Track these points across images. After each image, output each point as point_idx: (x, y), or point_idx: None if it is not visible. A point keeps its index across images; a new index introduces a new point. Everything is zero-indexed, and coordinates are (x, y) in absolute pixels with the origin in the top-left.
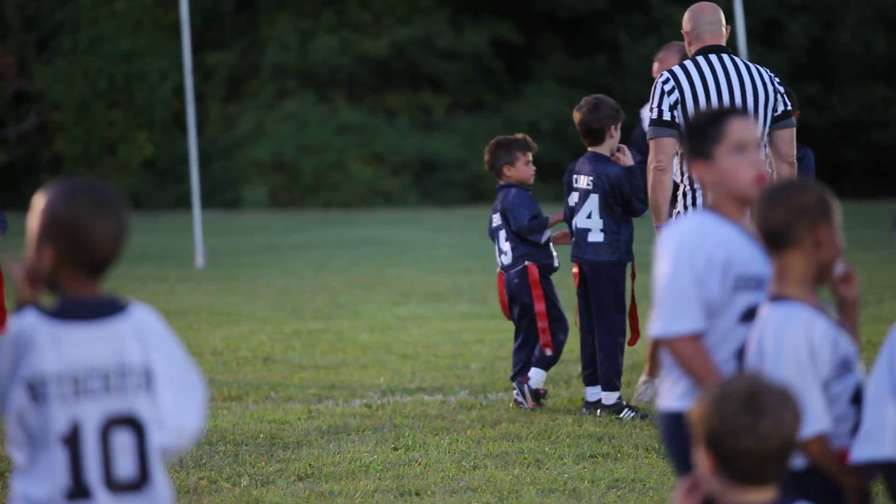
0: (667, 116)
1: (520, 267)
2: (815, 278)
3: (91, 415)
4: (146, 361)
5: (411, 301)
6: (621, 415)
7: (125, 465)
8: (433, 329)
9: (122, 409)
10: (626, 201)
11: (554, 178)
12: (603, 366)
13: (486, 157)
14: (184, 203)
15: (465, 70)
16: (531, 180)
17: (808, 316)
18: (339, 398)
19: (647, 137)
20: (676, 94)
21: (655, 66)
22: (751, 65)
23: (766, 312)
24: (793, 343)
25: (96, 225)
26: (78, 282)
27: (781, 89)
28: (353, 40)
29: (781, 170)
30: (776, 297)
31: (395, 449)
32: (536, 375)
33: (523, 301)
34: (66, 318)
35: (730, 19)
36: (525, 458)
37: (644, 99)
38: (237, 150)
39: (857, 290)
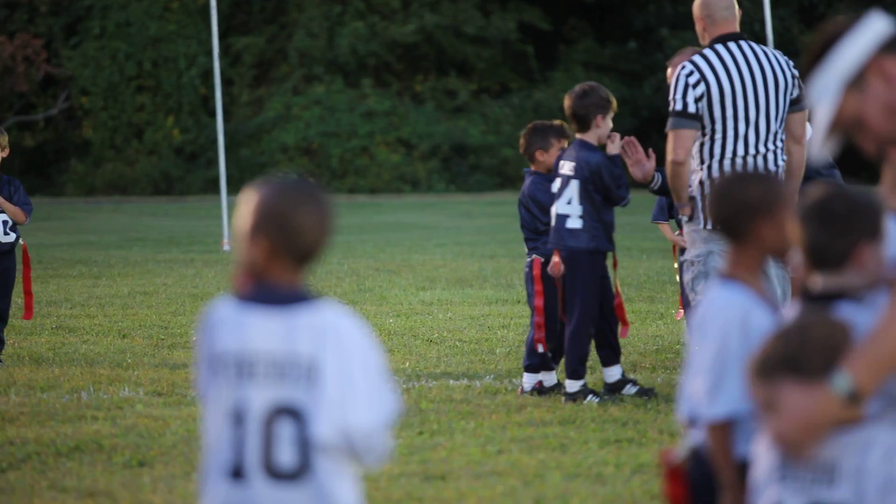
0: (692, 109)
1: (529, 259)
2: (763, 265)
3: (256, 398)
4: (314, 356)
5: (437, 286)
6: (586, 400)
7: (285, 454)
8: (459, 314)
9: (285, 397)
10: (607, 189)
11: None
12: (569, 353)
13: (522, 140)
14: (211, 188)
15: (493, 55)
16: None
17: (749, 300)
18: None
19: (667, 128)
20: (702, 86)
21: (669, 71)
22: (768, 50)
23: (714, 290)
24: (726, 322)
25: (304, 217)
26: (283, 271)
27: (797, 73)
28: (380, 26)
29: (792, 151)
30: (725, 277)
31: (421, 433)
32: (528, 379)
33: (530, 292)
34: (253, 302)
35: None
36: (550, 443)
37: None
38: (264, 135)
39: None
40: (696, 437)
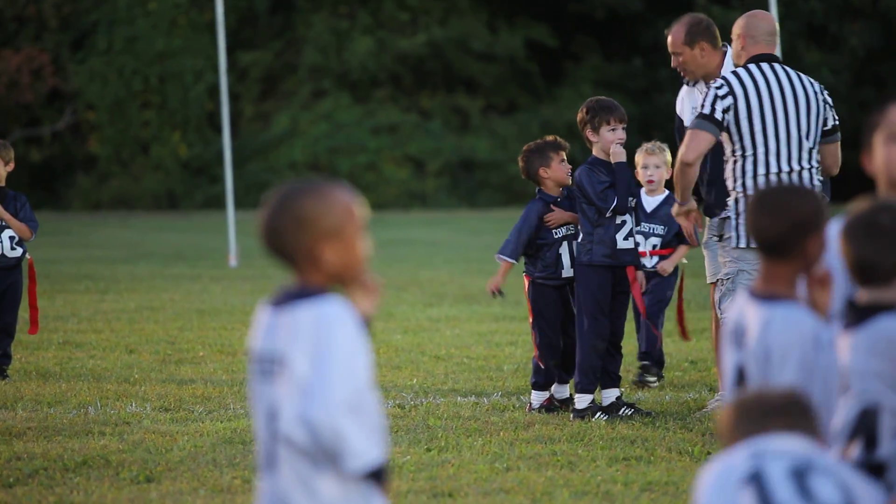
0: (718, 116)
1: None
2: (799, 280)
3: (260, 397)
4: (285, 352)
5: (444, 303)
6: (594, 417)
7: (272, 450)
8: (466, 331)
9: (272, 394)
10: (589, 198)
11: None
12: (578, 368)
13: (521, 164)
14: (217, 203)
15: (500, 72)
16: (569, 180)
17: (812, 316)
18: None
19: (689, 126)
20: (730, 99)
21: (670, 39)
22: (802, 76)
23: (764, 311)
24: (803, 342)
25: (280, 219)
26: (296, 273)
27: (830, 101)
28: (389, 40)
29: (824, 181)
30: (766, 295)
31: (429, 450)
32: (536, 396)
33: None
34: (272, 302)
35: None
36: (558, 461)
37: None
38: (271, 150)
39: (828, 298)
40: None
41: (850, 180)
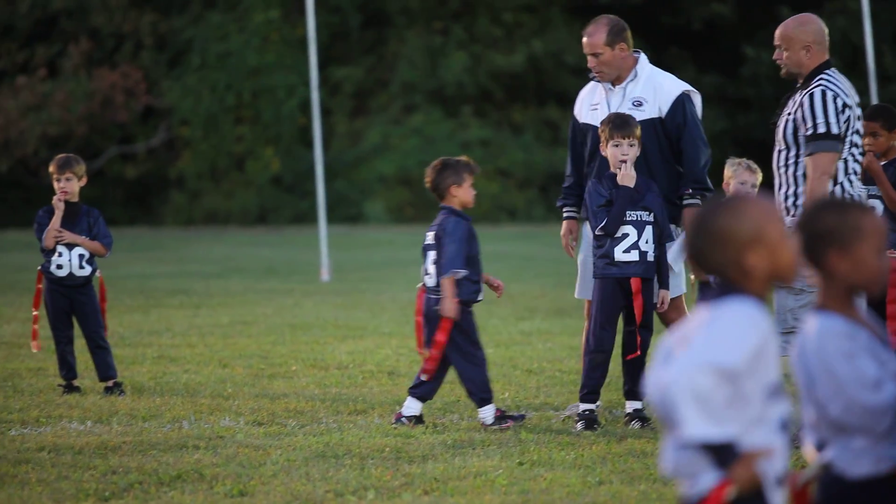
0: (840, 130)
1: (440, 296)
2: (850, 294)
3: None
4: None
5: (536, 316)
6: (629, 426)
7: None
8: (558, 344)
9: None
10: (588, 214)
11: None
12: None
13: (431, 176)
14: (308, 218)
15: None
16: (472, 204)
17: (845, 325)
18: (464, 412)
19: (813, 151)
20: (848, 112)
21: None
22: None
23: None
24: (834, 351)
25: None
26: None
27: None
28: (483, 56)
29: None
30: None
31: (521, 464)
32: (411, 404)
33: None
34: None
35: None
36: (651, 475)
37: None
38: (362, 164)
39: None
40: (821, 459)
41: None
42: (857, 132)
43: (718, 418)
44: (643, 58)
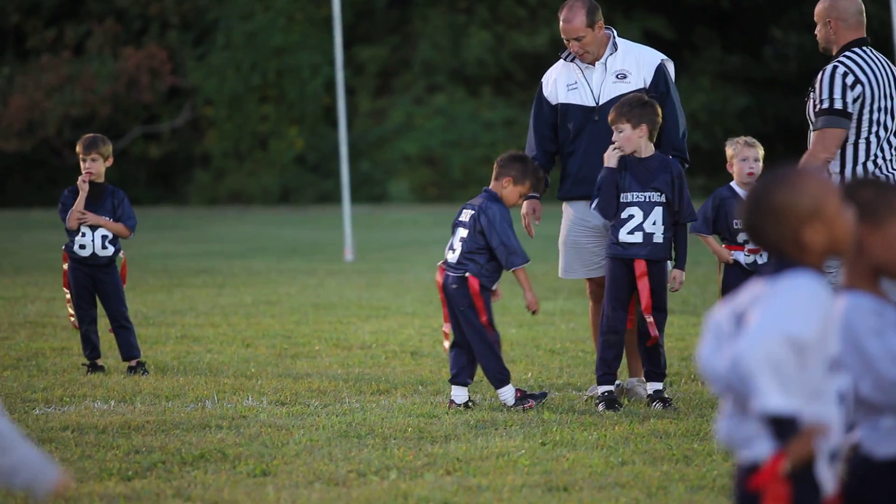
0: (850, 109)
1: (459, 274)
2: (877, 274)
3: None
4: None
5: (559, 296)
6: (651, 406)
7: None
8: (581, 324)
9: None
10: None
11: (709, 167)
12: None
13: (507, 156)
14: (332, 198)
15: None
16: (510, 206)
17: (872, 303)
18: (487, 392)
19: (819, 126)
20: (859, 88)
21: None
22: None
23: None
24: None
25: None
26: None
27: None
28: (507, 36)
29: None
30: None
31: (543, 444)
32: (457, 391)
33: (459, 308)
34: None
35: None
36: (674, 455)
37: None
38: (386, 144)
39: None
40: (850, 439)
41: None
42: (887, 111)
43: (791, 390)
44: (614, 32)
